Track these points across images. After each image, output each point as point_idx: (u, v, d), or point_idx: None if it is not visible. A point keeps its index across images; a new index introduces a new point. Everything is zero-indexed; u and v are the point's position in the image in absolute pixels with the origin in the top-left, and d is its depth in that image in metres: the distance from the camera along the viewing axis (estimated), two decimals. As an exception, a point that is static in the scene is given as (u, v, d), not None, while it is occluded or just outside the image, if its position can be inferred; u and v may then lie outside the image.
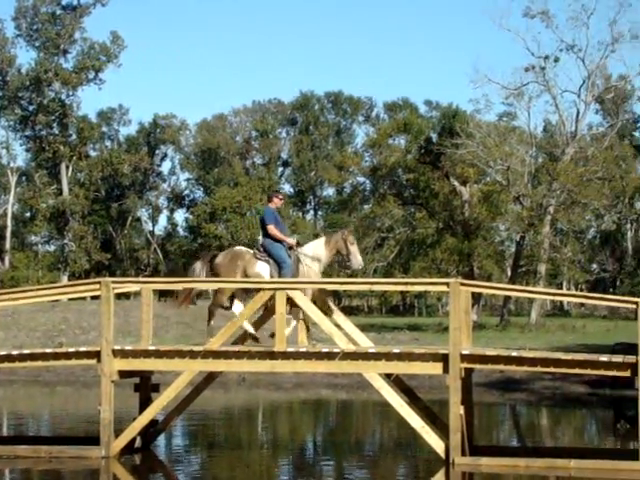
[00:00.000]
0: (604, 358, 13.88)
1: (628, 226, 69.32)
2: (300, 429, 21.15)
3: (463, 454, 13.65)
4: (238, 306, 15.77)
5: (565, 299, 57.30)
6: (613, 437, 18.06)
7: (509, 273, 55.81)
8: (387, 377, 14.77)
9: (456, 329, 13.80)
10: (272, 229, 15.83)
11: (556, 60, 51.87)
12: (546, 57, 51.24)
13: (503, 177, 49.99)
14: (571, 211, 50.14)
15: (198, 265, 16.43)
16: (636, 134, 75.08)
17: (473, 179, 53.86)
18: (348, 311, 70.32)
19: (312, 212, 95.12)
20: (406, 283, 15.86)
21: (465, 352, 13.89)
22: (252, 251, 16.06)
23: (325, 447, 18.16)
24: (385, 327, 45.77)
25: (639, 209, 70.17)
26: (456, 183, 53.22)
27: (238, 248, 16.79)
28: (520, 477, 13.60)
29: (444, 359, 13.85)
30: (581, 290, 75.19)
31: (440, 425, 14.53)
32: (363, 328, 16.12)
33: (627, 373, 13.62)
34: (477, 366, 14.56)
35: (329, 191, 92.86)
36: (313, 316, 14.65)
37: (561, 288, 70.67)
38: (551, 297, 13.76)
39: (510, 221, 50.40)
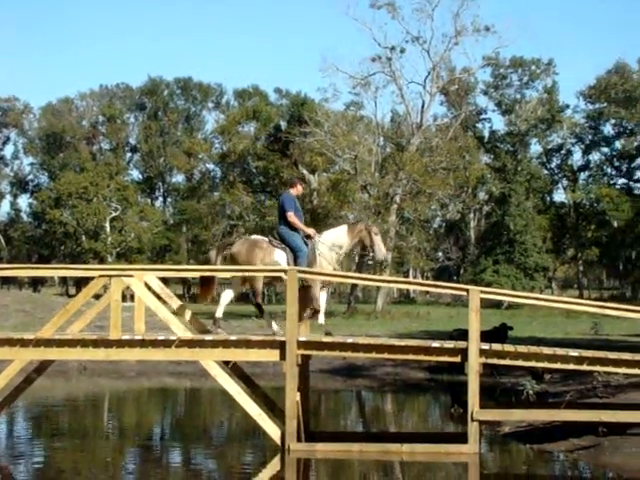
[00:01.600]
0: (436, 344, 14.16)
1: (471, 215, 71.16)
2: (143, 418, 20.81)
3: (299, 440, 13.70)
4: (228, 292, 15.70)
5: (401, 286, 58.33)
6: (448, 421, 18.45)
7: (357, 260, 56.54)
8: (226, 365, 14.69)
9: (293, 316, 13.81)
10: (292, 216, 15.38)
11: (402, 51, 52.88)
12: (392, 48, 52.15)
13: (351, 166, 50.56)
14: (417, 200, 51.10)
15: (213, 254, 16.03)
16: (479, 126, 77.06)
17: (322, 167, 54.34)
18: (196, 299, 70.06)
19: (161, 199, 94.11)
20: (245, 270, 15.70)
21: (302, 339, 13.93)
22: (267, 239, 15.64)
23: (168, 436, 17.93)
24: (233, 314, 45.59)
25: (482, 199, 72.10)
26: (305, 171, 53.55)
27: (254, 237, 16.29)
28: (354, 462, 13.74)
29: (281, 346, 13.86)
30: (427, 278, 76.88)
31: (277, 412, 14.54)
32: (211, 316, 15.92)
33: (458, 359, 13.93)
34: (314, 353, 14.63)
35: (178, 178, 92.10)
36: (149, 303, 14.41)
37: (407, 276, 72.02)
38: (392, 285, 14.04)
39: (358, 209, 51.01)
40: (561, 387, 19.72)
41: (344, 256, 15.94)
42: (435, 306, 55.09)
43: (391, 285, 17.20)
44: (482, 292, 14.10)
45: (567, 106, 76.86)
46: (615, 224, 72.30)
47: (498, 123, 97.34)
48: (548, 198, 77.89)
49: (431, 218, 70.14)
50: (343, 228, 15.88)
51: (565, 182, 78.58)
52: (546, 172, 77.18)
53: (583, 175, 78.71)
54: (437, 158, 51.01)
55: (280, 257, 15.29)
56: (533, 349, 14.20)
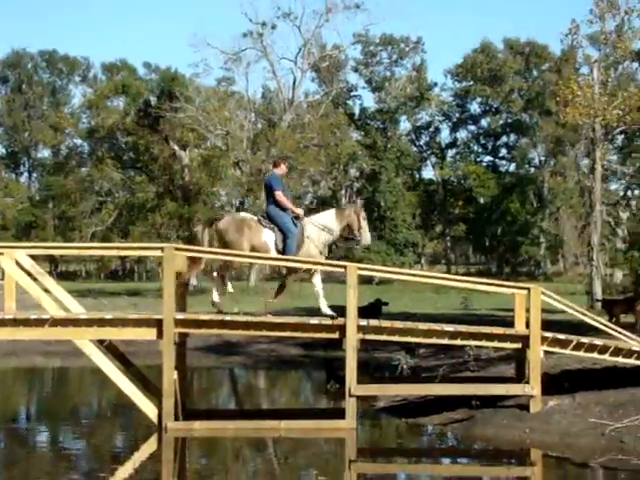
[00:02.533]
0: (314, 321, 14.25)
1: (342, 192, 71.64)
2: (12, 398, 20.31)
3: (176, 419, 13.60)
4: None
5: (277, 263, 58.45)
6: (324, 397, 18.59)
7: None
8: (101, 343, 14.45)
9: (170, 294, 13.66)
10: (280, 195, 15.13)
11: (273, 27, 52.83)
12: (263, 24, 52.05)
13: (223, 142, 50.30)
14: (289, 177, 51.11)
15: (199, 230, 15.68)
16: (350, 103, 77.50)
17: (193, 143, 53.85)
18: (65, 276, 68.76)
19: (26, 174, 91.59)
20: (119, 248, 15.49)
21: (179, 317, 13.81)
22: (256, 218, 15.30)
23: (39, 416, 17.53)
24: (103, 292, 44.98)
25: (353, 176, 72.64)
26: (176, 147, 52.96)
27: (243, 214, 16.00)
28: (231, 439, 13.72)
29: (158, 324, 13.70)
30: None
31: (154, 391, 14.39)
32: (81, 294, 15.61)
33: (336, 335, 14.07)
34: (192, 331, 14.53)
35: (44, 153, 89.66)
36: (20, 281, 14.04)
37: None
38: (266, 261, 13.96)
39: (230, 186, 50.75)
40: (434, 361, 20.13)
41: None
42: (307, 282, 55.23)
43: (265, 262, 17.08)
44: (359, 269, 14.23)
45: (435, 84, 77.99)
46: (481, 201, 73.94)
47: (369, 100, 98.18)
48: (417, 175, 79.02)
49: (303, 195, 70.31)
50: (331, 212, 15.76)
51: (434, 159, 79.82)
52: (415, 149, 78.22)
53: (451, 152, 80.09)
54: (309, 135, 51.18)
55: (268, 237, 15.12)
56: (409, 324, 14.43)
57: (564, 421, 13.31)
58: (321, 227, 15.32)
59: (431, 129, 79.38)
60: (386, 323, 14.37)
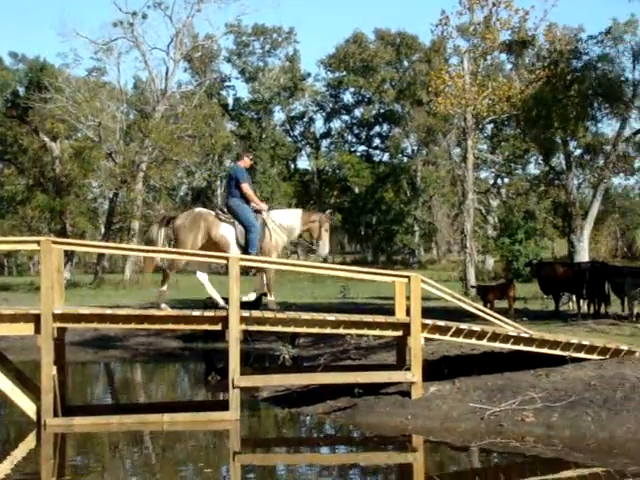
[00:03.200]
0: (197, 313, 14.14)
1: (218, 183, 71.32)
2: None
3: (55, 415, 13.32)
4: (202, 275, 15.40)
5: (154, 255, 58.05)
6: (205, 389, 18.49)
7: (103, 230, 55.39)
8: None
9: (48, 288, 13.35)
10: (247, 188, 15.01)
11: (144, 17, 52.22)
12: (134, 13, 51.39)
13: (95, 133, 49.42)
14: (163, 168, 50.62)
15: (154, 229, 15.25)
16: (224, 93, 77.19)
17: (64, 135, 52.76)
18: None
19: None
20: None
21: (57, 311, 13.50)
22: (214, 212, 15.01)
23: None
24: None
25: (228, 166, 72.37)
26: (46, 139, 51.77)
27: (199, 209, 15.74)
28: (112, 434, 13.50)
29: (36, 319, 13.37)
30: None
31: (32, 387, 14.06)
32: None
33: (219, 327, 14.00)
34: (70, 325, 14.23)
35: None
36: None
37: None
38: (143, 254, 13.78)
39: (103, 178, 49.93)
40: (314, 351, 20.27)
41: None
42: (184, 275, 54.80)
43: (142, 254, 16.87)
44: (241, 260, 14.18)
45: (309, 74, 78.26)
46: (356, 190, 74.57)
47: (242, 91, 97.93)
48: (292, 165, 79.23)
49: (177, 186, 69.77)
50: (297, 213, 15.68)
51: (308, 149, 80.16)
52: (290, 139, 78.40)
53: (325, 142, 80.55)
54: (183, 125, 50.72)
55: (227, 231, 14.96)
56: (292, 315, 14.44)
57: (445, 406, 13.54)
58: (283, 225, 15.26)
59: (305, 119, 79.64)
60: (268, 314, 14.36)
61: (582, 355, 14.57)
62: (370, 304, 28.40)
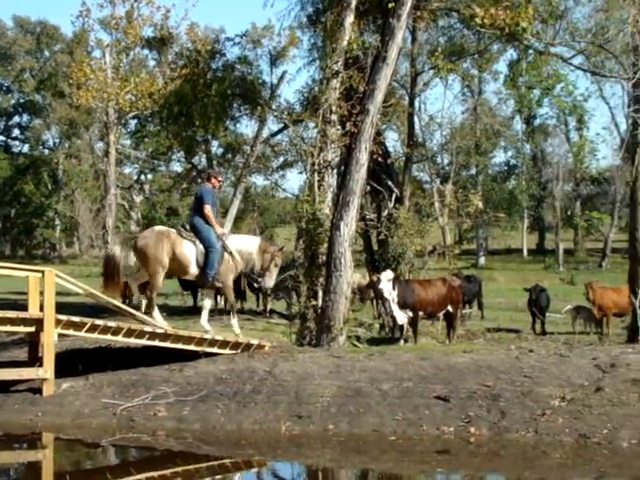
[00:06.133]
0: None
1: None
2: None
3: None
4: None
5: None
6: None
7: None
8: None
9: None
10: (208, 210, 14.80)
11: None
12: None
13: None
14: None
15: (117, 250, 15.06)
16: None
17: None
18: None
19: None
20: None
21: None
22: (175, 230, 14.99)
23: None
24: None
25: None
26: None
27: (159, 227, 15.65)
28: None
29: None
30: None
31: None
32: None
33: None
34: None
35: None
36: None
37: None
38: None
39: None
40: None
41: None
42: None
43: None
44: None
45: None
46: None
47: None
48: None
49: None
50: (256, 241, 15.50)
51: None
52: None
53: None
54: None
55: (189, 249, 14.66)
56: None
57: (77, 402, 13.43)
58: (243, 252, 15.16)
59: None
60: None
61: (215, 350, 14.97)
62: (4, 299, 27.41)
